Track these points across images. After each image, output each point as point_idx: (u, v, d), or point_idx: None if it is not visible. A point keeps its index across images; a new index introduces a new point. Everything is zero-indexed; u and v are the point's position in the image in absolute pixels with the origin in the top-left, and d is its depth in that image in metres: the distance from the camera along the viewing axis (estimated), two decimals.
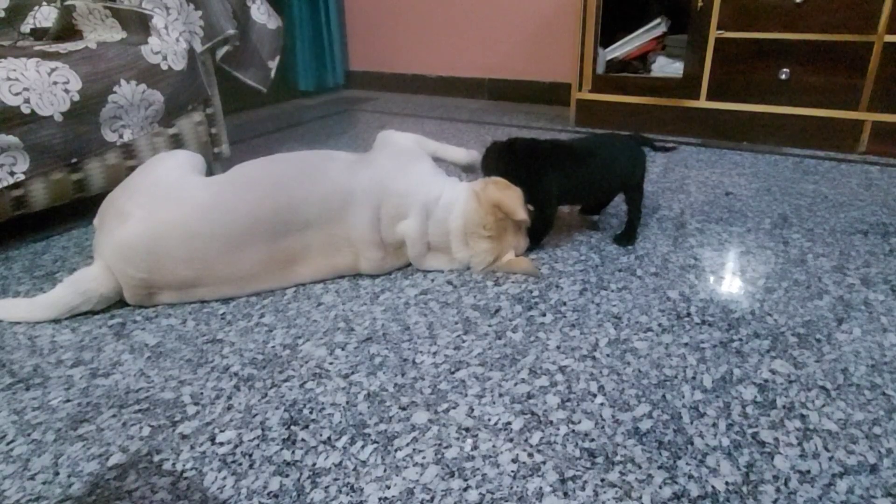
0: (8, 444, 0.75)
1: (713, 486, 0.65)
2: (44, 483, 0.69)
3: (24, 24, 1.60)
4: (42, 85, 1.22)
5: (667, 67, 2.13)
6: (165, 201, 1.04)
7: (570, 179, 1.18)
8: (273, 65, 1.72)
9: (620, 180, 1.24)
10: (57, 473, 0.70)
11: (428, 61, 3.05)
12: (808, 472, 0.67)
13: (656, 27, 2.19)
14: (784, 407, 0.77)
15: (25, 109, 1.20)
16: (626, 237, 1.26)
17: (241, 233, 1.03)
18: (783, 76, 1.86)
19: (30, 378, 0.88)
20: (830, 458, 0.69)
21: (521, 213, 1.09)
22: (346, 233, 1.08)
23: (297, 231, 1.06)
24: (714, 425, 0.74)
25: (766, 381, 0.82)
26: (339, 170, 1.11)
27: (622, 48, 2.24)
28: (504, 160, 1.19)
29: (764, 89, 1.91)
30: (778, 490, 0.65)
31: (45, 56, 1.25)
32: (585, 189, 1.23)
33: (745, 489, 0.65)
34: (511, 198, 1.10)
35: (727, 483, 0.66)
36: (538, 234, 1.22)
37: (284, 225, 1.05)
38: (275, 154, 1.18)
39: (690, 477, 0.67)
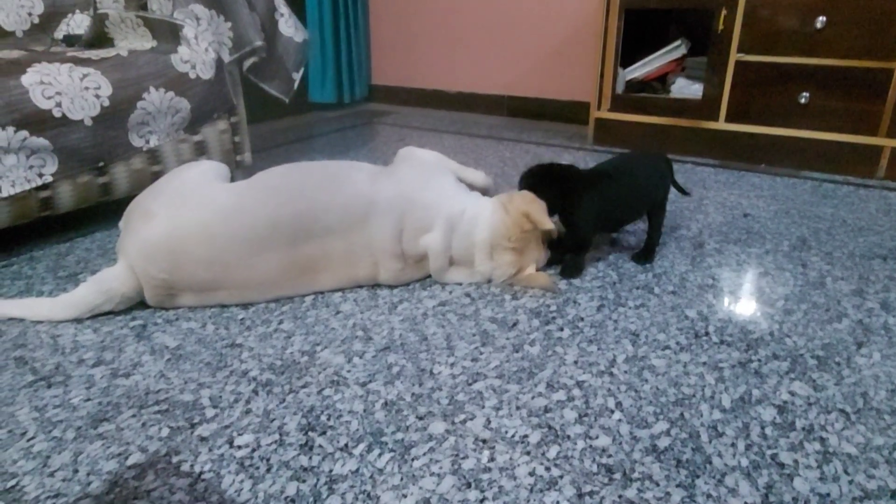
0: (28, 440, 0.76)
1: None
2: (63, 480, 0.70)
3: (57, 31, 1.64)
4: (74, 90, 1.25)
5: (686, 89, 2.13)
6: (188, 203, 1.06)
7: (607, 203, 1.17)
8: (297, 76, 1.75)
9: (651, 199, 1.24)
10: (76, 471, 0.71)
11: (448, 77, 3.08)
12: (828, 495, 0.66)
13: (676, 49, 2.20)
14: (803, 429, 0.77)
15: (57, 113, 1.22)
16: (645, 255, 1.26)
17: (260, 237, 1.04)
18: (802, 100, 1.87)
19: (51, 376, 0.89)
20: (850, 482, 0.68)
21: (548, 222, 1.10)
22: (367, 242, 1.09)
23: (317, 238, 1.07)
24: (733, 445, 0.74)
25: (785, 402, 0.82)
26: (361, 179, 1.12)
27: (642, 69, 2.26)
28: (541, 184, 1.18)
29: (783, 113, 1.92)
30: None
31: (78, 62, 1.28)
32: (621, 211, 1.22)
33: None
34: (539, 209, 1.11)
35: None
36: (578, 263, 1.21)
37: (304, 231, 1.06)
38: (297, 162, 1.20)
39: (709, 496, 0.66)
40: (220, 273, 1.04)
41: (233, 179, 1.23)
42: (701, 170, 1.96)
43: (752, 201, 1.65)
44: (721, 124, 2.02)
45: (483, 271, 1.15)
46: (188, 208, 1.05)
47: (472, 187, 1.30)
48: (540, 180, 1.20)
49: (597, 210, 1.16)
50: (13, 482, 0.69)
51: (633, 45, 2.22)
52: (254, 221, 1.04)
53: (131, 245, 1.04)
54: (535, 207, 1.11)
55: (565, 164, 1.23)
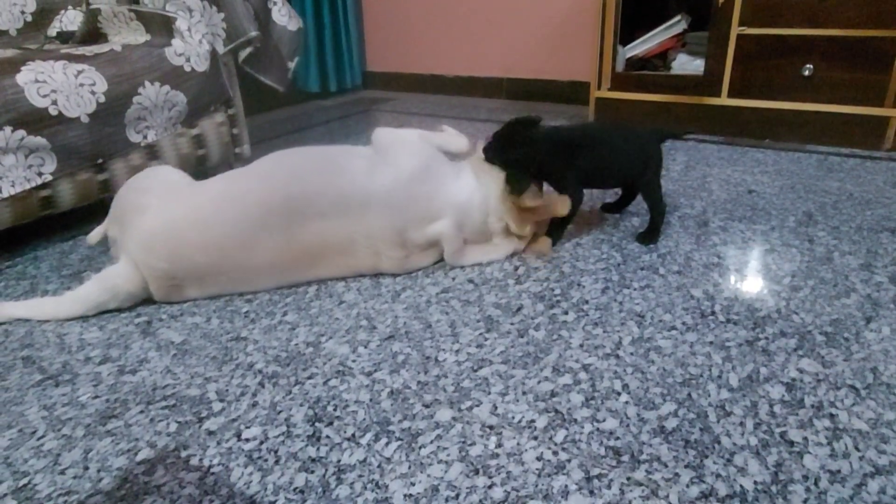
0: (38, 439, 0.76)
1: (741, 486, 0.65)
2: (74, 477, 0.70)
3: (50, 28, 1.63)
4: (69, 87, 1.24)
5: (687, 65, 2.11)
6: (179, 192, 1.08)
7: (586, 165, 1.20)
8: (292, 65, 1.73)
9: (628, 169, 1.23)
10: (87, 468, 0.71)
11: (446, 61, 3.05)
12: (839, 471, 0.66)
13: (676, 24, 2.17)
14: (812, 406, 0.76)
15: (53, 111, 1.22)
16: (649, 236, 1.25)
17: (254, 220, 1.04)
18: (806, 72, 1.84)
19: (59, 374, 0.89)
20: (861, 458, 0.68)
21: (559, 209, 1.15)
22: (366, 232, 1.09)
23: (313, 223, 1.06)
24: (741, 424, 0.73)
25: (793, 379, 0.81)
26: (357, 167, 1.11)
27: (642, 46, 2.23)
28: (521, 155, 1.17)
29: (787, 86, 1.89)
30: (808, 490, 0.64)
31: (72, 58, 1.27)
32: (596, 174, 1.23)
33: (774, 488, 0.64)
34: (538, 200, 1.15)
35: (756, 482, 0.65)
36: (564, 228, 1.25)
37: (299, 215, 1.05)
38: (293, 148, 1.18)
39: (718, 476, 0.66)
40: (218, 258, 1.04)
41: None
42: (704, 147, 1.94)
43: (757, 177, 1.63)
44: (723, 100, 1.99)
45: (506, 248, 1.18)
46: (181, 196, 1.06)
47: (455, 156, 1.28)
48: (515, 149, 1.17)
49: (578, 172, 1.19)
50: (25, 480, 0.70)
51: (633, 21, 2.18)
52: (246, 205, 1.05)
53: (129, 240, 1.04)
54: (535, 201, 1.14)
55: (532, 127, 1.20)
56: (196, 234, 1.03)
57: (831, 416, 0.74)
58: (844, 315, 0.96)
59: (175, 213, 1.04)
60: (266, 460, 0.71)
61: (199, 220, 1.03)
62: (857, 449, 0.69)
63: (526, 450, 0.71)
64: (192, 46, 1.44)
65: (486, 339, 0.93)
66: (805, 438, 0.71)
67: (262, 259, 1.06)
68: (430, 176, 1.14)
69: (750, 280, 1.08)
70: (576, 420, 0.75)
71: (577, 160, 1.18)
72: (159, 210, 1.04)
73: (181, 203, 1.05)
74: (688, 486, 0.65)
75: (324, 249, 1.09)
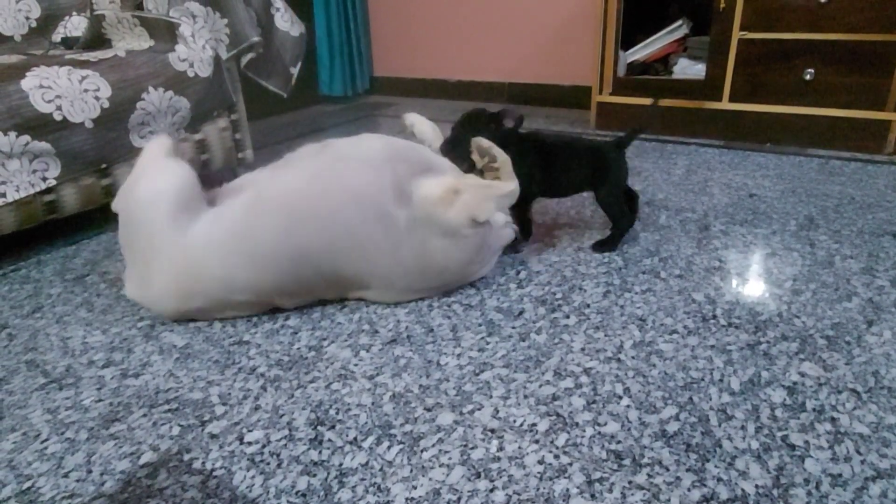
0: (42, 442, 0.77)
1: (743, 489, 0.65)
2: (77, 481, 0.70)
3: (55, 34, 1.64)
4: (73, 92, 1.25)
5: (689, 69, 2.11)
6: (178, 232, 0.98)
7: (540, 173, 1.21)
8: (294, 71, 1.74)
9: (581, 178, 1.23)
10: (90, 471, 0.72)
11: (448, 66, 3.06)
12: (840, 475, 0.66)
13: (678, 29, 2.18)
14: (814, 410, 0.76)
15: (57, 116, 1.23)
16: (607, 244, 1.24)
17: (260, 285, 1.00)
18: (807, 76, 1.84)
19: (63, 378, 0.90)
20: (863, 462, 0.68)
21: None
22: (383, 289, 1.06)
23: (322, 273, 1.01)
24: (743, 428, 0.73)
25: (795, 383, 0.81)
26: (377, 235, 0.99)
27: (643, 50, 2.23)
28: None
29: (788, 90, 1.89)
30: (809, 493, 0.64)
31: (77, 64, 1.28)
32: (550, 181, 1.23)
33: (775, 492, 0.64)
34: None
35: (757, 486, 0.65)
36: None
37: (307, 265, 0.99)
38: (294, 164, 1.06)
39: (719, 480, 0.66)
40: (224, 303, 1.01)
41: (235, 176, 1.23)
42: (705, 151, 1.95)
43: (758, 181, 1.64)
44: (725, 104, 2.00)
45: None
46: (179, 242, 0.98)
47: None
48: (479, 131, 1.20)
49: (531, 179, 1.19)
50: (29, 483, 0.70)
51: (634, 26, 2.19)
52: (253, 270, 0.98)
53: (140, 289, 1.02)
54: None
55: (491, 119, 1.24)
56: (200, 288, 0.99)
57: (833, 419, 0.74)
58: (846, 319, 0.96)
59: (175, 269, 0.97)
60: (268, 464, 0.72)
61: (201, 279, 0.98)
62: (858, 452, 0.69)
63: (527, 453, 0.71)
64: (196, 52, 1.44)
65: (487, 343, 0.94)
66: (806, 442, 0.71)
67: (268, 297, 1.04)
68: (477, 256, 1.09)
69: (751, 284, 1.08)
70: (577, 424, 0.75)
71: (532, 161, 1.19)
72: (161, 266, 0.98)
73: (181, 254, 0.97)
74: (689, 489, 0.65)
75: (333, 288, 1.07)
